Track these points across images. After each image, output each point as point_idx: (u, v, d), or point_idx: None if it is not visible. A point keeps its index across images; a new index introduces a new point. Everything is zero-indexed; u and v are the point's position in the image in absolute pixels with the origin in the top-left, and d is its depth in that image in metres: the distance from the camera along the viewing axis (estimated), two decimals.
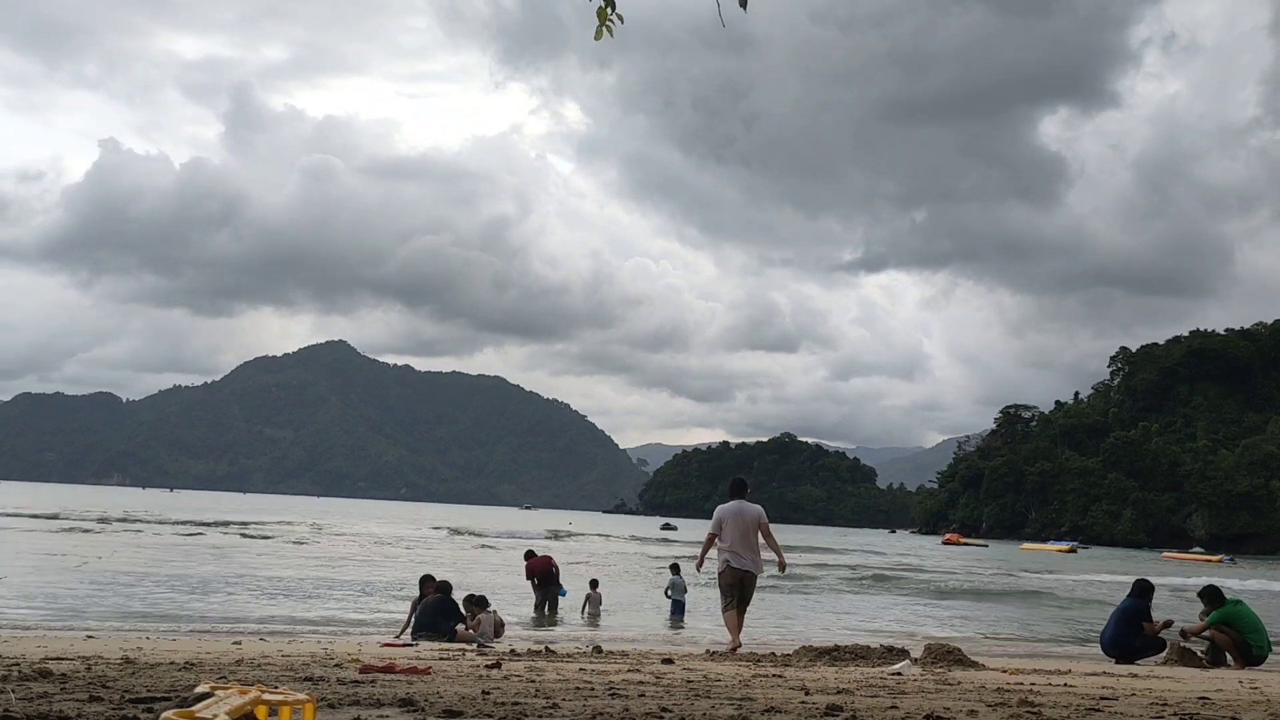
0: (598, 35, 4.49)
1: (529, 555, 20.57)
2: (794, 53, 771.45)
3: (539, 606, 19.65)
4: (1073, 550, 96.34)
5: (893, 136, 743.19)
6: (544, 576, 19.86)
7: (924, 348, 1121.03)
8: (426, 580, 14.24)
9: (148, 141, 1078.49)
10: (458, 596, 14.12)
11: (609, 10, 4.43)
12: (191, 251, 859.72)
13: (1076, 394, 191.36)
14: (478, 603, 14.03)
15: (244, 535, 46.02)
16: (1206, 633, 13.18)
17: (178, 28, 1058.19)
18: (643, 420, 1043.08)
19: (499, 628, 13.92)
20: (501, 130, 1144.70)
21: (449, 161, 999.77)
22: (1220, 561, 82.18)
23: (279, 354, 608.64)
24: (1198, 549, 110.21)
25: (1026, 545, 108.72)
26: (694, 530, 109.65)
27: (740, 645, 11.86)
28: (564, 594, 19.83)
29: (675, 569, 19.92)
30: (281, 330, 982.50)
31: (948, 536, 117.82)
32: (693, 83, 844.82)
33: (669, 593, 19.68)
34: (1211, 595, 13.56)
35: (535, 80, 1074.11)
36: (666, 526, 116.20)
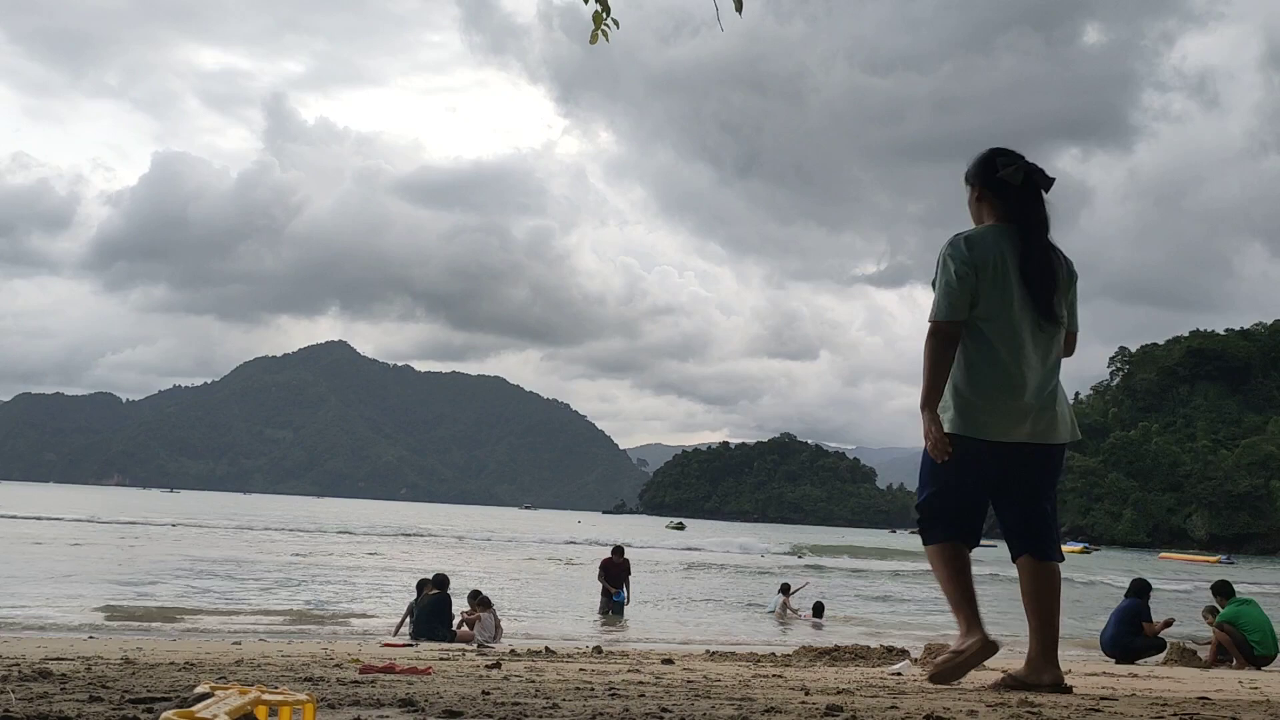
0: (593, 39, 4.52)
1: (617, 552, 19.80)
2: (835, 96, 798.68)
3: (602, 610, 19.02)
4: (1086, 551, 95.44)
5: (919, 169, 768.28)
6: (613, 580, 19.20)
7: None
8: (424, 583, 14.08)
9: (167, 151, 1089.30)
10: (459, 594, 14.09)
11: (604, 15, 4.46)
12: (226, 261, 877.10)
13: (1076, 394, 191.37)
14: (481, 601, 14.00)
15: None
16: (1211, 633, 13.16)
17: (201, 40, 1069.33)
18: (656, 425, 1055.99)
19: (498, 629, 13.87)
20: (535, 148, 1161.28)
21: (482, 176, 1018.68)
22: (1218, 561, 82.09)
23: (279, 354, 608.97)
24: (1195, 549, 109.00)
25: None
26: (706, 530, 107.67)
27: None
28: (621, 598, 19.07)
29: (785, 589, 20.98)
30: (308, 337, 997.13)
31: None
32: (732, 115, 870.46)
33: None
34: (1222, 590, 13.51)
35: (572, 105, 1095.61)
36: (678, 526, 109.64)
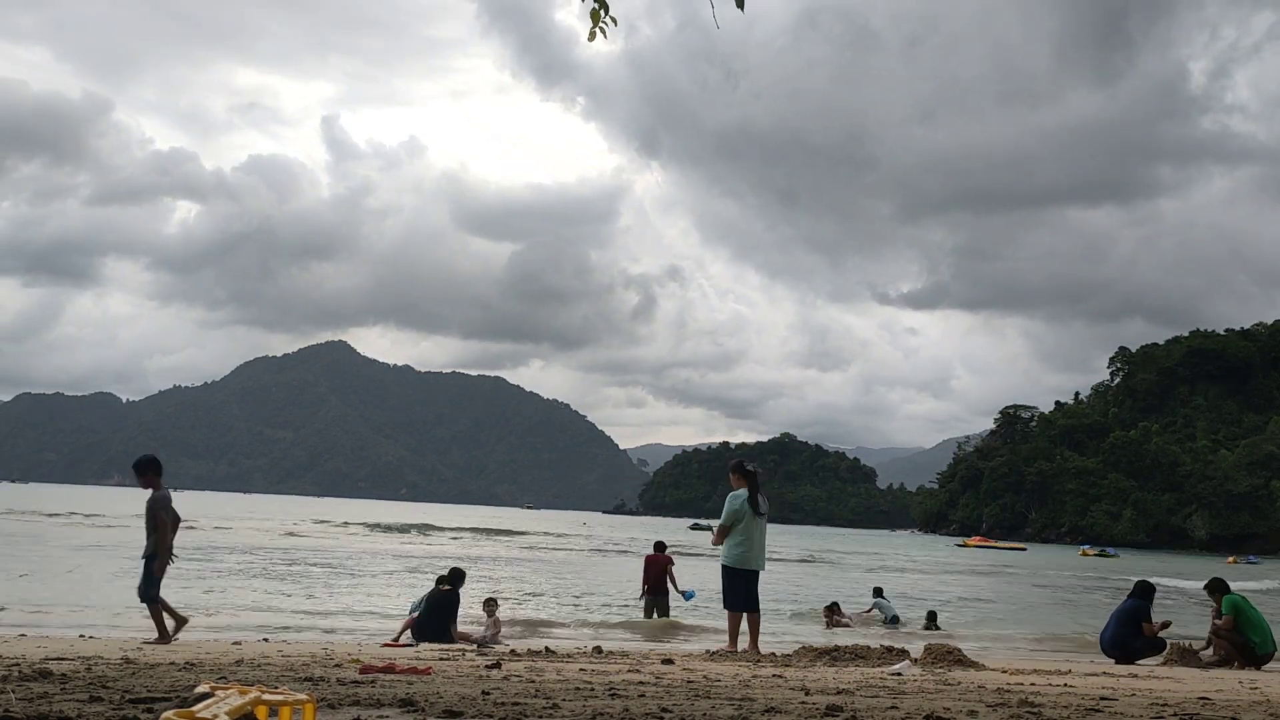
0: (591, 36, 4.53)
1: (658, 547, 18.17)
2: (881, 146, 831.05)
3: (646, 612, 17.50)
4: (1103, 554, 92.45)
5: (960, 212, 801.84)
6: (654, 581, 17.60)
7: (955, 370, 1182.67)
8: (442, 579, 13.76)
9: (209, 168, 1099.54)
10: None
11: (603, 12, 4.48)
12: (274, 276, 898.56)
13: (1076, 394, 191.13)
14: (489, 603, 14.07)
15: None
16: (1218, 629, 13.14)
17: (241, 59, 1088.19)
18: (673, 430, 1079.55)
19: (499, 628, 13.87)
20: (587, 177, 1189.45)
21: (533, 203, 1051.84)
22: (1234, 562, 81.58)
23: (279, 354, 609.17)
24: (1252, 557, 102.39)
25: (1086, 550, 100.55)
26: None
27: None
28: (690, 597, 17.41)
29: (878, 592, 21.20)
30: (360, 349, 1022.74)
31: (975, 539, 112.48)
32: (777, 155, 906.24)
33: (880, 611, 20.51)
34: (1217, 587, 13.52)
35: (618, 133, 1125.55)
36: (696, 526, 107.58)
